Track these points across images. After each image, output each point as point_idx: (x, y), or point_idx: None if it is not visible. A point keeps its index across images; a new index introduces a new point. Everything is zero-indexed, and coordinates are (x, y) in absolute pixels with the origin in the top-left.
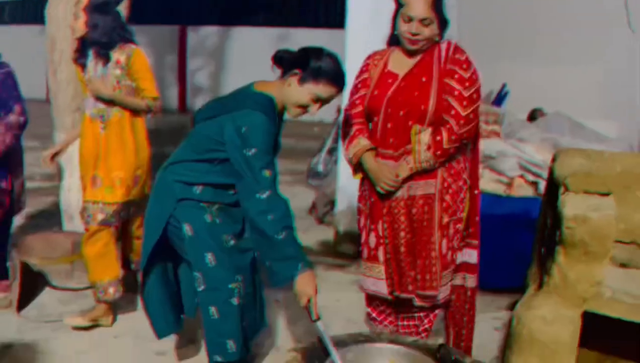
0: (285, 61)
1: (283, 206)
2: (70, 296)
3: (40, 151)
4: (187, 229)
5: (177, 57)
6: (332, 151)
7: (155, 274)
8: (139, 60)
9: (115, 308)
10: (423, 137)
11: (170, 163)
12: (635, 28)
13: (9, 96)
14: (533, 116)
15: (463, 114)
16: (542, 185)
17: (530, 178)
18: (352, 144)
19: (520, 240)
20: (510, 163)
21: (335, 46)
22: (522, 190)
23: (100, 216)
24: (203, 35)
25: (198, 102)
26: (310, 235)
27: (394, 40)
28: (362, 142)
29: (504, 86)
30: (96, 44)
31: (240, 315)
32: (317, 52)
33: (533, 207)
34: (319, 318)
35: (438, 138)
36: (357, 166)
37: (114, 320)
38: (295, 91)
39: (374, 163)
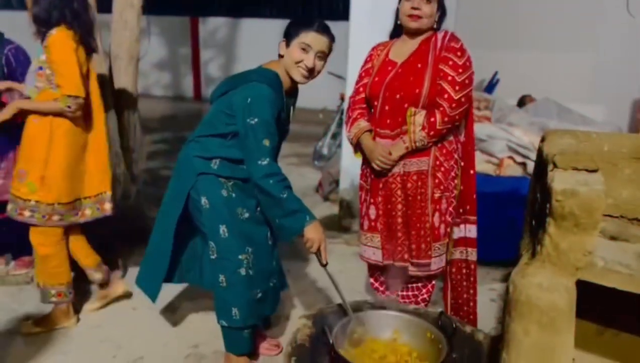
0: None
1: (279, 171)
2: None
3: None
4: (204, 201)
5: (191, 48)
6: (336, 135)
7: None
8: (55, 48)
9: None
10: (417, 118)
11: (190, 140)
12: (634, 13)
13: (24, 70)
14: (522, 101)
15: (455, 97)
16: (530, 165)
17: (519, 159)
18: (353, 126)
19: (511, 216)
20: (500, 145)
21: (338, 38)
22: (511, 170)
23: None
24: (213, 27)
25: (212, 90)
26: (316, 211)
27: (396, 33)
28: (361, 124)
29: (495, 74)
30: (35, 20)
31: (247, 285)
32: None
33: (522, 185)
34: (327, 263)
35: (432, 119)
36: (357, 146)
37: (78, 319)
38: (287, 54)
39: (370, 142)
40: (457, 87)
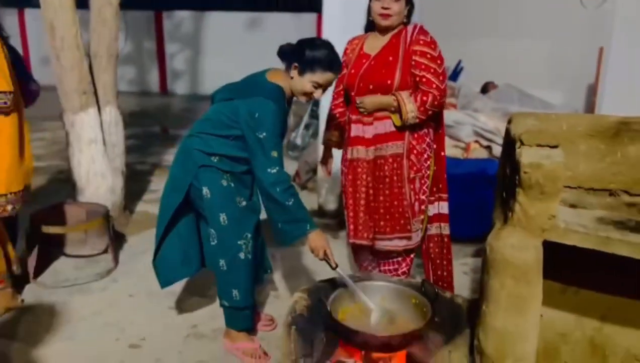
0: (285, 54)
1: (288, 179)
2: (84, 262)
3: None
4: (205, 191)
5: (156, 42)
6: (308, 126)
7: (170, 228)
8: None
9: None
10: (404, 93)
11: (192, 134)
12: (586, 4)
13: (24, 69)
14: (485, 88)
15: (442, 87)
16: (495, 148)
17: (484, 142)
18: (325, 134)
19: (479, 195)
20: (466, 130)
21: (304, 29)
22: (478, 153)
23: None
24: (178, 20)
25: (178, 84)
26: None
27: (369, 27)
28: (332, 139)
29: (459, 62)
30: None
31: (246, 268)
32: (310, 44)
33: (488, 167)
34: (337, 266)
35: (424, 98)
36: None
37: (23, 300)
38: (298, 82)
39: (325, 158)
40: (440, 78)
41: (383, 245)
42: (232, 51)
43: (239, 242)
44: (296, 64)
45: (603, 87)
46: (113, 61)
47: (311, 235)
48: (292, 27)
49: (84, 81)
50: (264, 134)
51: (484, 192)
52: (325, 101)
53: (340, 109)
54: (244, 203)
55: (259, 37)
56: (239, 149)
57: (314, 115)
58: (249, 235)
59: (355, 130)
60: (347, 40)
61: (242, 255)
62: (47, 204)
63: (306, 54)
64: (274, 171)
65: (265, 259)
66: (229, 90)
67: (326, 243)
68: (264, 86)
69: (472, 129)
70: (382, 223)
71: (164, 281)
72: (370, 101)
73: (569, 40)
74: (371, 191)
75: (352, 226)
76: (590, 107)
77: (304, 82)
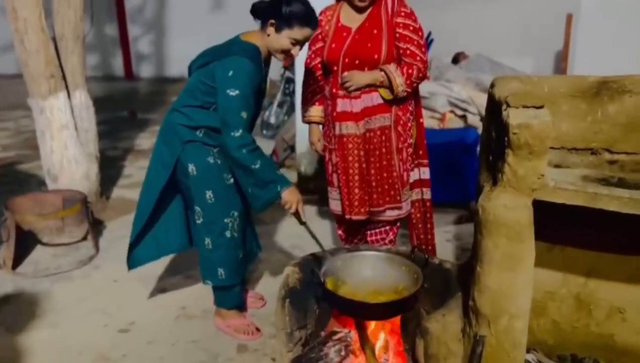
0: (260, 12)
1: (253, 141)
2: (63, 250)
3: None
4: (191, 168)
5: (118, 26)
6: (282, 104)
7: (152, 208)
8: None
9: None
10: (391, 67)
11: (173, 108)
12: None
13: None
14: (456, 59)
15: (425, 58)
16: (470, 117)
17: (459, 112)
18: (306, 111)
19: (457, 162)
20: (441, 100)
21: None
22: (453, 123)
23: None
24: (140, 2)
25: (143, 68)
26: None
27: None
28: (312, 113)
29: (429, 34)
30: None
31: (232, 247)
32: (285, 0)
33: (464, 135)
34: (306, 221)
35: (410, 71)
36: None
37: None
38: (275, 39)
39: (314, 136)
40: (422, 49)
41: (376, 217)
42: (197, 32)
43: (225, 220)
44: (273, 21)
45: (574, 53)
46: (80, 43)
47: (284, 191)
48: None
49: (51, 65)
50: (237, 92)
51: (462, 160)
52: (300, 77)
53: (320, 83)
54: (231, 180)
55: (224, 17)
56: None
57: (287, 93)
58: (236, 213)
59: (343, 105)
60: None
61: (228, 234)
62: (21, 194)
63: (283, 10)
64: (238, 134)
65: (256, 236)
66: (204, 55)
67: (299, 197)
68: (239, 45)
69: (446, 99)
70: (375, 196)
71: (138, 261)
72: (360, 77)
73: (537, 8)
74: (364, 166)
75: (347, 203)
76: (560, 72)
77: (282, 38)
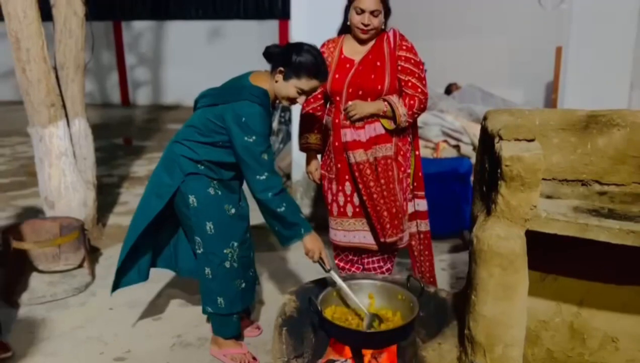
0: (273, 57)
1: (280, 183)
2: (58, 277)
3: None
4: (192, 200)
5: (115, 53)
6: (278, 132)
7: (145, 231)
8: None
9: None
10: (393, 98)
11: (177, 140)
12: (544, 5)
13: None
14: (449, 89)
15: (425, 90)
16: (463, 147)
17: (452, 141)
18: (303, 138)
19: (451, 192)
20: (435, 130)
21: (267, 36)
22: (447, 152)
23: None
24: (138, 31)
25: (139, 95)
26: None
27: (343, 29)
28: (310, 141)
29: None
30: None
31: (231, 277)
32: (297, 48)
33: (458, 165)
34: (331, 269)
35: (412, 102)
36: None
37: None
38: (283, 86)
39: (312, 166)
40: (423, 82)
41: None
42: (194, 60)
43: (225, 251)
44: (282, 69)
45: (564, 85)
46: (80, 72)
47: (306, 238)
48: (254, 34)
49: (51, 94)
50: (253, 138)
51: (456, 189)
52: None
53: (318, 113)
54: (232, 211)
55: (221, 45)
56: (226, 155)
57: (283, 121)
58: (236, 244)
59: (350, 134)
60: (319, 43)
61: (227, 264)
62: (18, 221)
63: (293, 59)
64: (263, 177)
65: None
66: (212, 95)
67: (321, 245)
68: (249, 90)
69: (440, 129)
70: (384, 227)
71: (123, 284)
72: (364, 107)
73: (528, 41)
74: (383, 188)
75: (379, 227)
76: (550, 103)
77: (289, 87)
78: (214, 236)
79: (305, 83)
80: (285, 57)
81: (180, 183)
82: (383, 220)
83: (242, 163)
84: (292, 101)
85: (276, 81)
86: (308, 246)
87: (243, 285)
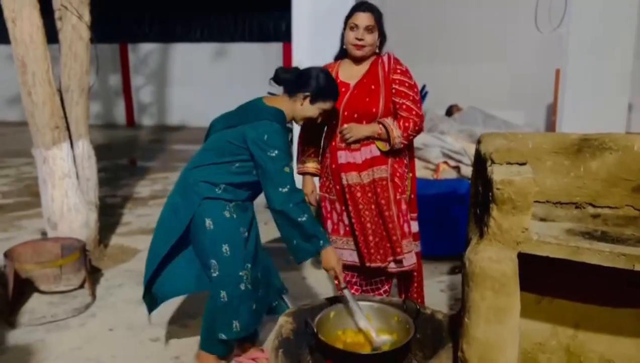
0: (287, 82)
1: (301, 196)
2: (59, 298)
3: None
4: (208, 223)
5: (121, 75)
6: None
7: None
8: None
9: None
10: (389, 120)
11: (195, 166)
12: (541, 29)
13: None
14: (450, 111)
15: (420, 113)
16: (463, 168)
17: (452, 163)
18: (300, 162)
19: (451, 214)
20: (435, 152)
21: (271, 58)
22: (447, 174)
23: None
24: (143, 53)
25: (145, 116)
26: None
27: (341, 55)
28: (308, 165)
29: (424, 87)
30: None
31: (247, 299)
32: (316, 75)
33: (458, 186)
34: (345, 286)
35: (407, 124)
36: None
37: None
38: (308, 109)
39: (308, 188)
40: (418, 104)
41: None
42: (198, 82)
43: (240, 273)
44: (307, 93)
45: (562, 107)
46: (85, 94)
47: (324, 252)
48: (258, 56)
49: (56, 116)
50: (276, 152)
51: (456, 210)
52: (296, 128)
53: (317, 136)
54: (245, 234)
55: (226, 67)
56: (241, 175)
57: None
58: (249, 265)
59: (345, 157)
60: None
61: (242, 286)
62: (20, 241)
63: (320, 84)
64: (286, 190)
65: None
66: (230, 118)
67: (338, 263)
68: (267, 111)
69: (440, 150)
70: (372, 250)
71: (156, 303)
72: (359, 129)
73: (527, 63)
74: (375, 213)
75: (365, 251)
76: (550, 125)
77: (314, 109)
78: (230, 258)
79: (329, 104)
80: (310, 83)
81: (197, 207)
82: (368, 244)
83: (265, 177)
84: (314, 120)
85: (301, 104)
86: (326, 261)
87: (254, 306)
